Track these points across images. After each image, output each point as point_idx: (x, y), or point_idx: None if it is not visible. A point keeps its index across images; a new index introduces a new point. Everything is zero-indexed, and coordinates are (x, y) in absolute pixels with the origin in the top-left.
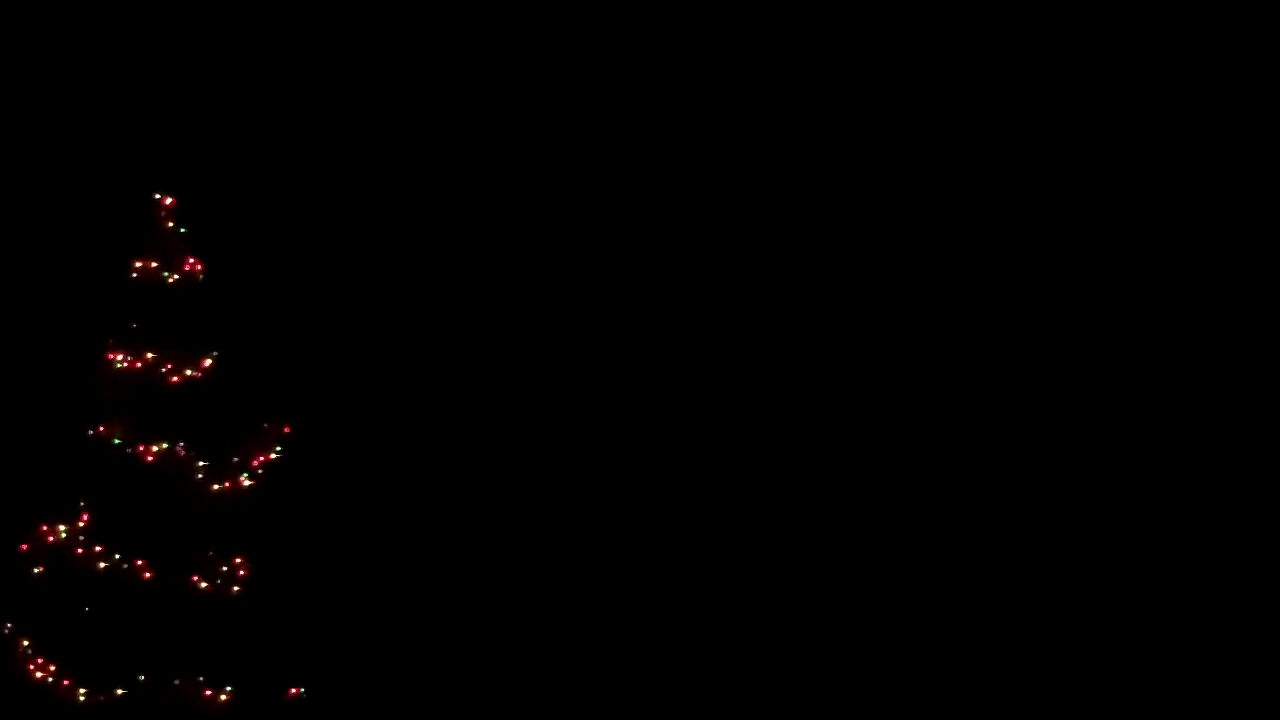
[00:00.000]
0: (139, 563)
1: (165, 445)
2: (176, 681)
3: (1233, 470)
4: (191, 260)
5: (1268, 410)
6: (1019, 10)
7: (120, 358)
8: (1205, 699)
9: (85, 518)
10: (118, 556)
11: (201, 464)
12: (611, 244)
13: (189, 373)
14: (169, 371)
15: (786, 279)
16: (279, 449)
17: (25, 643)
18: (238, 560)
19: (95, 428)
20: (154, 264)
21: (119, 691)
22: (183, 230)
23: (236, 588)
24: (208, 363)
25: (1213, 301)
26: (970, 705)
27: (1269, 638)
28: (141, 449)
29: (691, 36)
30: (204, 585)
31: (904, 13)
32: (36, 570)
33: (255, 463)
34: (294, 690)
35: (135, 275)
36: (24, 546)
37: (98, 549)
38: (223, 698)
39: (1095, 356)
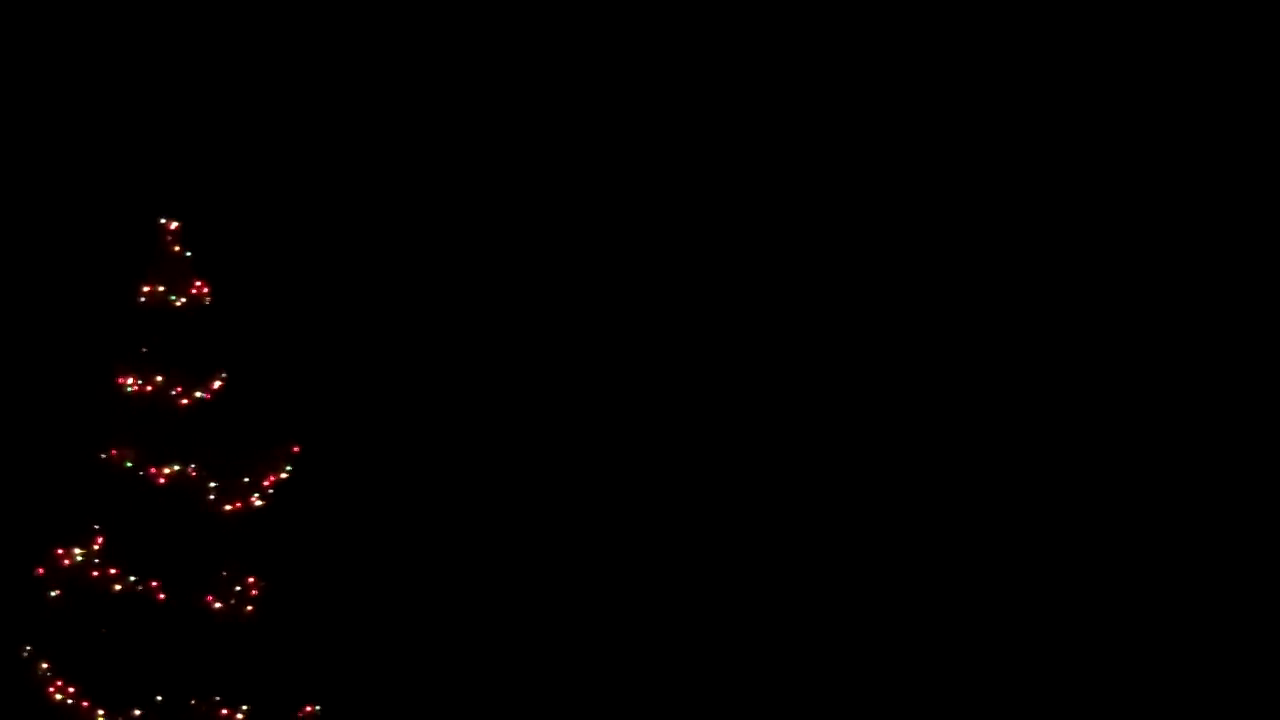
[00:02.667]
0: (153, 584)
1: (176, 467)
2: (193, 701)
3: (1233, 470)
4: (198, 283)
5: (1267, 410)
6: (1019, 10)
7: (130, 381)
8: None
9: (99, 540)
10: (132, 578)
11: (213, 485)
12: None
13: (198, 395)
14: (178, 394)
15: (786, 279)
16: (289, 468)
17: (44, 665)
18: (251, 579)
19: (107, 451)
20: (161, 288)
21: (137, 712)
22: (189, 254)
23: (250, 607)
24: (216, 384)
25: (1212, 301)
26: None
27: (1269, 638)
28: (153, 471)
29: (691, 37)
30: (218, 605)
31: (904, 13)
32: (53, 593)
33: (266, 483)
34: (309, 708)
35: (143, 299)
36: (40, 570)
37: (112, 571)
38: (239, 717)
39: (1095, 357)
